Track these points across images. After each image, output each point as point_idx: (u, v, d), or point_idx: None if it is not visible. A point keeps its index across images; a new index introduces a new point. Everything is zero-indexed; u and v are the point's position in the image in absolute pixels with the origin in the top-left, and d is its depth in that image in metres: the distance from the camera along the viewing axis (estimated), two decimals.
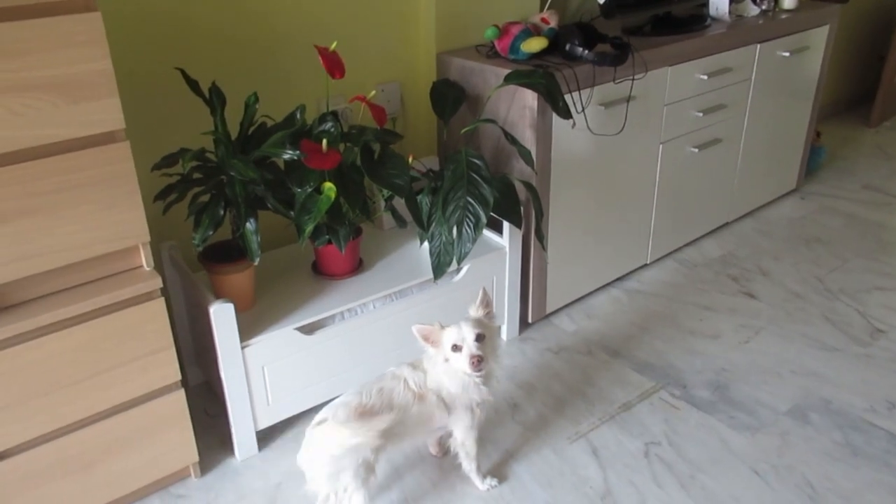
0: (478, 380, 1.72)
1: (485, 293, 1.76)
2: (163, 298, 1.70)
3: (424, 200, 2.11)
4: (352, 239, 2.10)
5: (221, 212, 1.83)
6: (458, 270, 2.22)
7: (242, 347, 1.88)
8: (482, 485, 1.90)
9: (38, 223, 1.50)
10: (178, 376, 1.79)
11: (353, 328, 2.07)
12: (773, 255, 3.03)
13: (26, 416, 1.59)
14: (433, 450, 2.01)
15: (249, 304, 2.01)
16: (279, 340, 1.94)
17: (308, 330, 1.99)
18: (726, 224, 3.26)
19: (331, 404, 1.71)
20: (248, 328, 1.92)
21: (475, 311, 1.74)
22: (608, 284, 2.82)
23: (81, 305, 1.59)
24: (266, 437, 2.06)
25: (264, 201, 1.90)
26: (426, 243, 2.13)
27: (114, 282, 1.66)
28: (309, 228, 1.87)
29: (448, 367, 1.71)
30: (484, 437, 2.02)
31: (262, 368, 1.94)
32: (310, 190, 1.89)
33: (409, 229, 2.36)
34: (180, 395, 1.81)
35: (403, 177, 1.96)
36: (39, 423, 1.62)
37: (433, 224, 2.06)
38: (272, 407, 2.00)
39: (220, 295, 1.87)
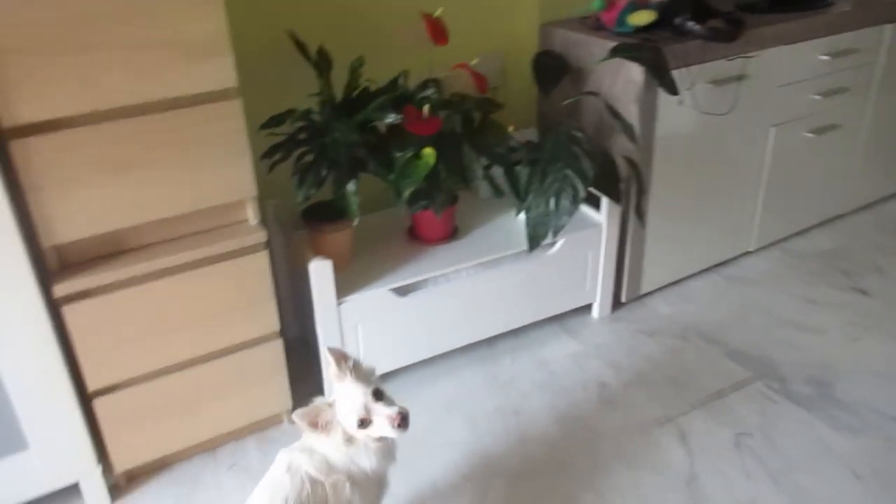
0: (395, 442, 1.46)
1: (330, 350, 1.40)
2: (266, 252, 1.78)
3: (523, 171, 2.10)
4: (448, 206, 2.12)
5: (324, 172, 1.88)
6: (553, 244, 2.20)
7: (338, 304, 1.94)
8: None
9: (156, 174, 1.60)
10: (277, 327, 1.87)
11: (445, 293, 2.10)
12: (891, 251, 2.83)
13: (136, 353, 1.71)
14: None
15: (347, 264, 2.06)
16: (373, 300, 1.99)
17: (402, 292, 2.03)
18: (840, 216, 3.07)
19: None
20: (345, 286, 1.97)
21: (341, 374, 1.38)
22: (708, 269, 2.72)
23: (191, 254, 1.69)
24: None
25: (365, 164, 1.94)
26: (522, 214, 2.12)
27: (222, 233, 1.75)
28: (407, 192, 1.90)
29: (358, 448, 1.39)
30: (567, 415, 2.01)
31: (356, 326, 2.00)
32: (410, 155, 1.91)
33: (505, 199, 2.36)
34: (278, 344, 1.89)
35: (503, 146, 1.96)
36: (147, 361, 1.73)
37: (530, 195, 2.05)
38: None
39: (319, 253, 1.93)
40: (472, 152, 2.01)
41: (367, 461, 1.40)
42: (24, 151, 1.45)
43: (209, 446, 1.95)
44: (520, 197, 2.09)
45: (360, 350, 2.03)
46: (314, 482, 1.36)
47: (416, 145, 1.92)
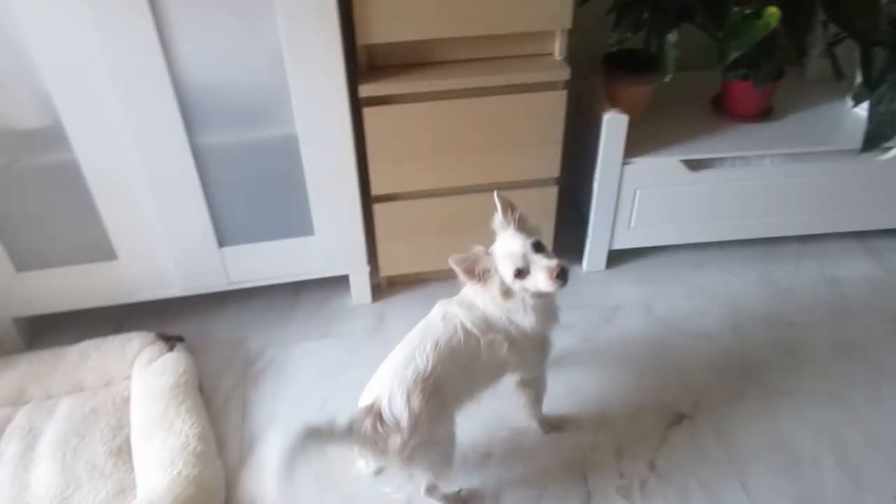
0: (557, 303, 1.38)
1: (500, 196, 1.31)
2: (565, 92, 1.66)
3: (880, 54, 1.73)
4: (772, 80, 1.83)
5: (645, 15, 1.68)
6: (891, 149, 1.84)
7: (623, 164, 1.80)
8: (545, 431, 1.62)
9: None
10: (557, 173, 1.79)
11: (741, 178, 1.86)
12: None
13: (419, 168, 1.72)
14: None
15: (640, 123, 1.89)
16: (661, 168, 1.83)
17: (693, 165, 1.84)
18: None
19: (378, 377, 1.33)
20: (634, 146, 1.81)
21: (505, 223, 1.30)
22: None
23: (492, 79, 1.62)
24: (616, 258, 2.03)
25: (693, 14, 1.70)
26: (863, 106, 1.78)
27: (526, 63, 1.65)
28: (733, 56, 1.65)
29: (515, 302, 1.32)
30: (849, 343, 1.77)
31: (635, 191, 1.86)
32: (749, 12, 1.64)
33: (840, 86, 1.99)
34: (553, 192, 1.82)
35: (868, 19, 1.61)
36: (428, 178, 1.74)
37: (884, 85, 1.69)
38: (632, 231, 1.94)
39: (615, 105, 1.77)
40: (824, 21, 1.68)
41: (525, 319, 1.33)
42: None
43: None
44: (869, 85, 1.73)
45: (632, 217, 1.91)
46: (468, 333, 1.32)
47: (759, 2, 1.63)
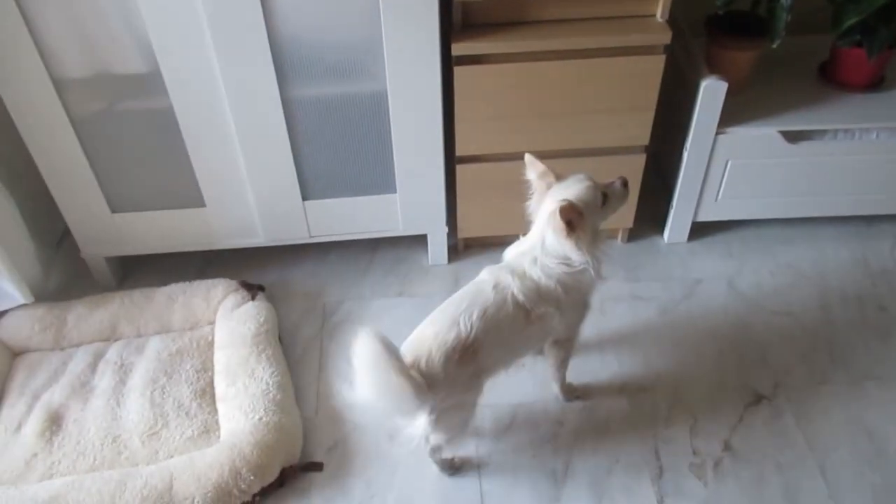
0: (601, 257, 1.33)
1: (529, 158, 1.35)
2: (664, 56, 1.59)
3: None
4: (888, 48, 1.71)
5: None
6: None
7: (717, 133, 1.73)
8: (566, 398, 1.60)
9: None
10: (647, 140, 1.73)
11: (845, 151, 1.77)
12: None
13: (507, 130, 1.69)
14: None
15: (740, 89, 1.80)
16: (757, 139, 1.74)
17: (792, 137, 1.75)
18: None
19: (416, 338, 1.29)
20: (730, 115, 1.73)
21: (550, 178, 1.34)
22: None
23: (590, 40, 1.56)
24: (699, 230, 1.97)
25: None
26: None
27: (625, 24, 1.58)
28: (850, 22, 1.55)
29: (598, 247, 1.32)
30: None
31: (727, 161, 1.78)
32: None
33: None
34: (641, 160, 1.76)
35: None
36: (515, 141, 1.71)
37: None
38: (719, 204, 1.87)
39: (714, 70, 1.69)
40: None
41: (598, 267, 1.31)
42: None
43: None
44: None
45: (720, 189, 1.83)
46: (518, 306, 1.30)
47: None
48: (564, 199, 1.25)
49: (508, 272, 1.33)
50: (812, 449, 1.51)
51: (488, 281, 1.34)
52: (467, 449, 1.52)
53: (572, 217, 1.24)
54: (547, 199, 1.32)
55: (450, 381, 1.24)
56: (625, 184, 1.37)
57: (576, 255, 1.28)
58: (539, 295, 1.32)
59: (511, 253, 1.39)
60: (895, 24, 1.63)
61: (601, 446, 1.53)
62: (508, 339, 1.32)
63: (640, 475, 1.47)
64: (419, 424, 1.28)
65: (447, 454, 1.47)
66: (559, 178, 1.33)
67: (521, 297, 1.31)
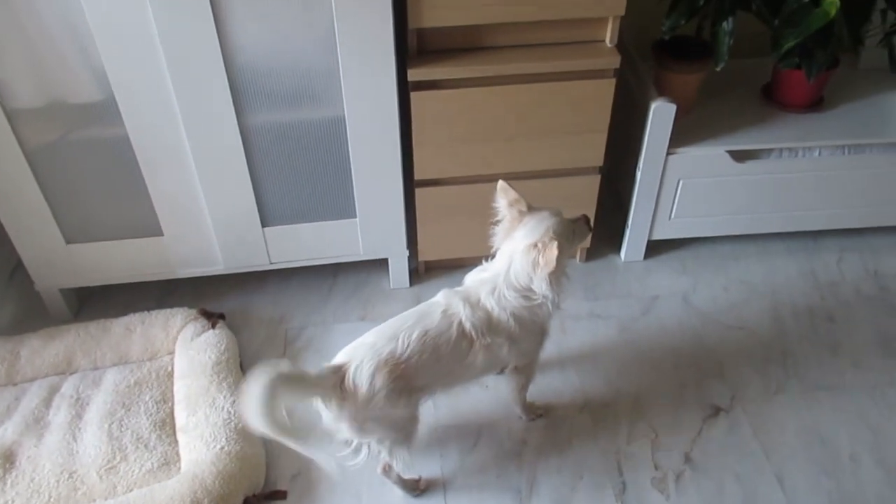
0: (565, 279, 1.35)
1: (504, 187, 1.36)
2: (614, 80, 1.64)
3: None
4: (826, 69, 1.79)
5: (701, 1, 1.65)
6: None
7: (668, 154, 1.78)
8: (528, 418, 1.62)
9: None
10: (601, 162, 1.77)
11: (789, 169, 1.83)
12: None
13: (464, 154, 1.72)
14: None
15: (687, 111, 1.86)
16: (706, 158, 1.80)
17: (740, 157, 1.81)
18: None
19: (356, 344, 1.31)
20: (680, 136, 1.79)
21: (523, 206, 1.34)
22: None
23: (542, 65, 1.60)
24: (654, 248, 2.02)
25: (749, 1, 1.67)
26: None
27: (575, 50, 1.63)
28: (788, 44, 1.62)
29: (563, 277, 1.33)
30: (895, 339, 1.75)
31: (678, 181, 1.83)
32: (807, 1, 1.60)
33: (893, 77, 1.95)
34: (595, 181, 1.80)
35: None
36: (472, 164, 1.74)
37: None
38: (672, 222, 1.92)
39: (663, 93, 1.74)
40: (883, 9, 1.63)
41: (560, 292, 1.33)
42: None
43: None
44: None
45: (673, 208, 1.89)
46: (462, 335, 1.31)
47: None
48: (553, 236, 1.28)
49: (461, 299, 1.34)
50: (769, 458, 1.54)
51: (440, 304, 1.35)
52: (432, 469, 1.52)
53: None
54: (521, 229, 1.32)
55: (372, 392, 1.25)
56: (587, 221, 1.40)
57: (544, 289, 1.31)
58: (489, 326, 1.33)
59: (471, 278, 1.40)
60: (831, 48, 1.70)
61: (565, 464, 1.54)
62: (444, 365, 1.32)
63: (604, 491, 1.49)
64: (345, 430, 1.30)
65: (405, 474, 1.46)
66: (530, 207, 1.34)
67: (467, 326, 1.32)
